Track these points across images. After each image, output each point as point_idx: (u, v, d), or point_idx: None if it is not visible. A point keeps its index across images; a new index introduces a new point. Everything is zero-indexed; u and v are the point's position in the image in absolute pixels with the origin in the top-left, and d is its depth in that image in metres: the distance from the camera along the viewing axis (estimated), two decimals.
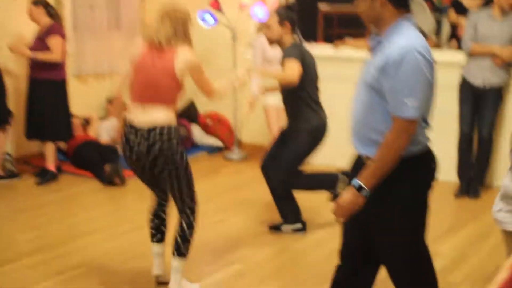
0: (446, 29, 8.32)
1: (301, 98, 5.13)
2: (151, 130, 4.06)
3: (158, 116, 4.09)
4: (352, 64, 7.00)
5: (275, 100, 6.60)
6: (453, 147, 6.67)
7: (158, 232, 4.43)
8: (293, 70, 4.95)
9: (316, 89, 5.21)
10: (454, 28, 7.51)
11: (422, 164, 3.09)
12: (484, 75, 6.28)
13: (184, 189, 4.21)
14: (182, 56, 4.11)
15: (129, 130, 4.13)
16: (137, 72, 4.17)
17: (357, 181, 2.98)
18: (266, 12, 7.47)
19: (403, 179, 3.02)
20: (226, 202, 6.33)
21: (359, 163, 3.17)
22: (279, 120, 6.73)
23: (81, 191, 6.63)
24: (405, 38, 2.93)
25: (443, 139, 6.85)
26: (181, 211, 4.27)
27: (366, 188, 2.97)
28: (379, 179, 2.96)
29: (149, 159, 4.09)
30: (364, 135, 3.09)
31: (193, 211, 4.27)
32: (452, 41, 7.42)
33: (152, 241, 4.45)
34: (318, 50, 6.71)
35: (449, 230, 5.60)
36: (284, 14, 5.14)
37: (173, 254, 4.26)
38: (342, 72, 7.15)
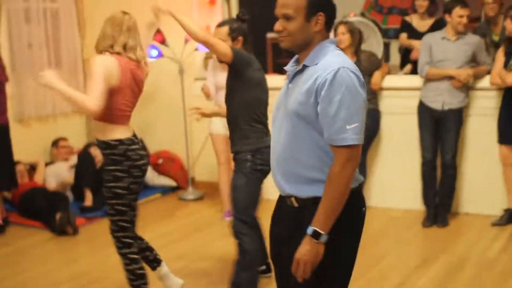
0: (394, 53, 8.20)
1: (244, 117, 4.48)
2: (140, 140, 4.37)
3: None
4: None
5: (221, 128, 6.28)
6: (416, 174, 6.51)
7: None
8: (224, 44, 4.34)
9: (263, 112, 4.58)
10: (407, 52, 7.36)
11: (352, 205, 2.75)
12: (443, 98, 6.13)
13: None
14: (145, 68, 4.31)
15: (135, 144, 4.24)
16: (126, 90, 4.13)
17: (311, 228, 2.65)
18: None
19: None
20: (183, 249, 5.90)
21: (281, 209, 2.89)
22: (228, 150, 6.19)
23: (30, 244, 6.16)
24: (335, 58, 2.69)
25: (406, 166, 6.71)
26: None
27: (323, 233, 2.64)
28: (333, 219, 2.65)
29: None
30: (289, 171, 2.77)
31: None
32: (407, 65, 7.25)
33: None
34: (270, 81, 6.49)
35: (422, 263, 5.36)
36: (237, 28, 4.63)
37: (160, 263, 4.60)
38: None
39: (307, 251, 2.66)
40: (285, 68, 2.90)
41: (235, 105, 4.51)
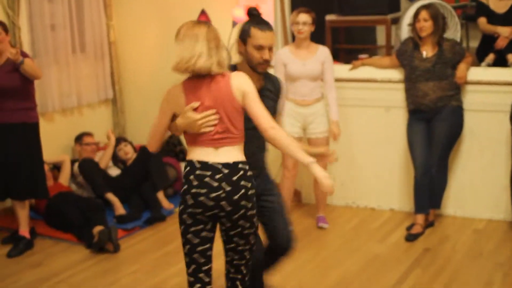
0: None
1: None
2: None
3: None
4: (375, 85, 6.04)
5: (296, 129, 5.66)
6: (501, 180, 5.73)
7: None
8: None
9: None
10: (486, 39, 6.48)
11: None
12: None
13: None
14: None
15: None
16: None
17: None
18: None
19: None
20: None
21: None
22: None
23: (65, 265, 5.25)
24: None
25: (489, 171, 5.90)
26: None
27: None
28: None
29: None
30: None
31: None
32: (489, 55, 6.35)
33: None
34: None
35: None
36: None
37: None
38: (364, 96, 6.10)
39: None
40: None
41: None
